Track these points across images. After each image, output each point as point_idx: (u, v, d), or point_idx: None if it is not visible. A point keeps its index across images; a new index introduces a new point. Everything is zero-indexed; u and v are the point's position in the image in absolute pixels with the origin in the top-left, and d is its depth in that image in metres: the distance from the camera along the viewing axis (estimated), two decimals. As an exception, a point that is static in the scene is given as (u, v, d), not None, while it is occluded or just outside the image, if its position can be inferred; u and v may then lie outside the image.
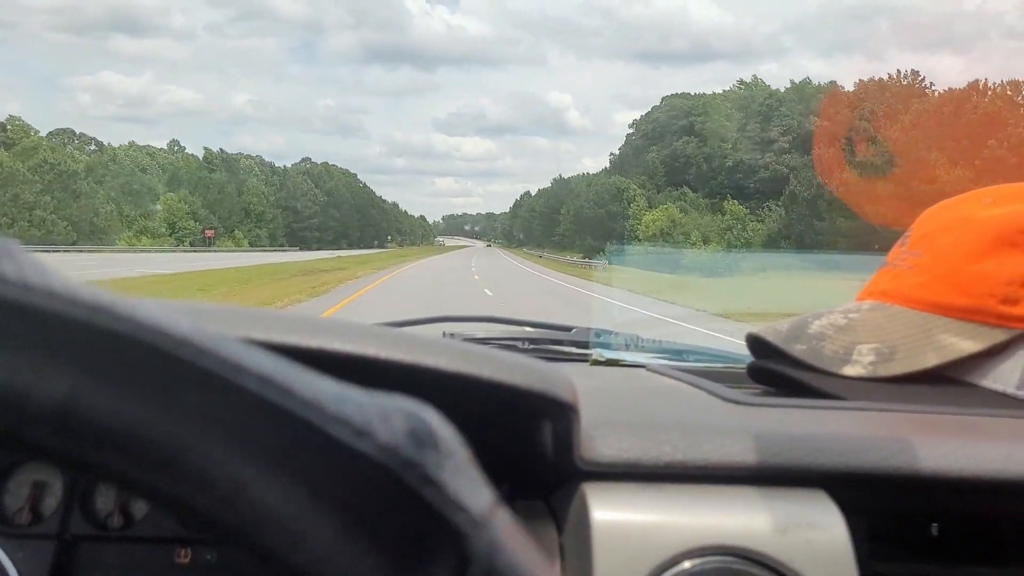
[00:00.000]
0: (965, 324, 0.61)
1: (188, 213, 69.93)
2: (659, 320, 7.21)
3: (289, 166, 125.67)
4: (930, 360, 0.61)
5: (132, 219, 65.54)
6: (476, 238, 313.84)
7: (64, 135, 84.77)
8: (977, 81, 31.18)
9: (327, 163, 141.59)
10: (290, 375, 0.23)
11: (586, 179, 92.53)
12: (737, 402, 0.58)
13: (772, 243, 37.87)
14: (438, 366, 0.38)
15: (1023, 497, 0.47)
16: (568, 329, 1.21)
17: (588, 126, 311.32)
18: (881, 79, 43.17)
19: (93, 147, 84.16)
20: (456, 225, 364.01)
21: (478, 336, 1.16)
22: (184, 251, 60.85)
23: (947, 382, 0.61)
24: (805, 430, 0.49)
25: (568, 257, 64.57)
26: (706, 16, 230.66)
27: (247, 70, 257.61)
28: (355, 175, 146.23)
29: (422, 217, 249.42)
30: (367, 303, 15.45)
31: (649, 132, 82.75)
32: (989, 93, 30.13)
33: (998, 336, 0.59)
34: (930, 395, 0.59)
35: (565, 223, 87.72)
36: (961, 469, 0.46)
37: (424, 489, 0.22)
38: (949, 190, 0.61)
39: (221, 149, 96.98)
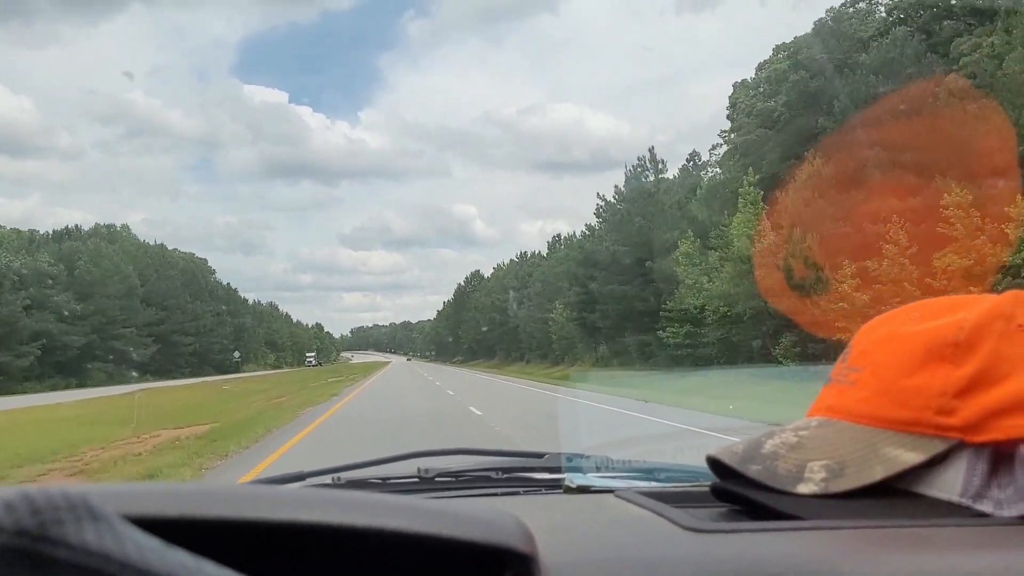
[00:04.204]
0: (907, 436, 0.63)
1: None
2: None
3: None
4: (877, 473, 0.63)
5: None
6: (392, 352, 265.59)
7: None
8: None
9: (125, 227, 78.58)
10: None
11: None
12: (696, 530, 0.59)
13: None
14: (398, 528, 0.39)
15: None
16: (540, 455, 1.24)
17: (495, 236, 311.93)
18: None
19: None
20: (366, 338, 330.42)
21: (452, 470, 1.18)
22: None
23: (895, 494, 0.63)
24: (760, 554, 0.51)
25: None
26: (602, 126, 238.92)
27: (141, 189, 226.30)
28: (177, 250, 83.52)
29: (318, 326, 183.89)
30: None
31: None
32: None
33: (938, 446, 0.61)
34: (880, 508, 0.61)
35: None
36: None
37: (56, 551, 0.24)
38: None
39: None
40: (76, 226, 70.63)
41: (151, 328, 62.36)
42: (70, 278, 54.02)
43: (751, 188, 26.59)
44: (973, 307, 0.65)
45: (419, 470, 1.16)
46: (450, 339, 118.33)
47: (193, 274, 78.97)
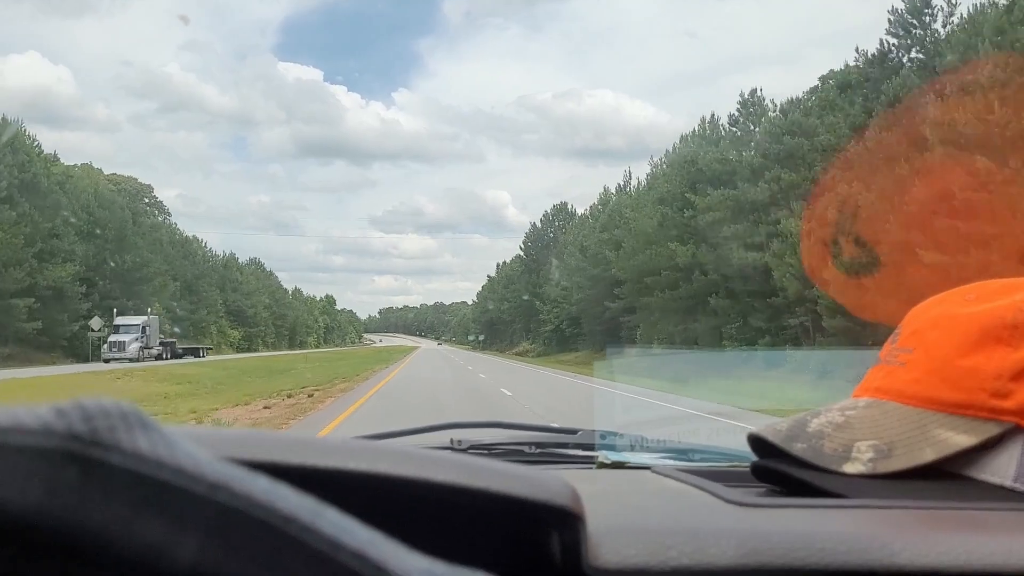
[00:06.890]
0: (959, 419, 0.62)
1: None
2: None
3: None
4: (927, 455, 0.62)
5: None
6: (421, 335, 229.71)
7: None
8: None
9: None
10: (384, 551, 0.26)
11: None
12: (740, 503, 0.58)
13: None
14: (447, 480, 0.39)
15: None
16: (573, 432, 1.24)
17: (527, 224, 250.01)
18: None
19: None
20: (395, 320, 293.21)
21: (485, 442, 1.18)
22: None
23: (945, 476, 0.62)
24: (808, 529, 0.50)
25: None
26: (640, 114, 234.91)
27: (175, 165, 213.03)
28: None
29: (328, 299, 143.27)
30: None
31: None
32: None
33: (991, 429, 0.60)
34: (930, 490, 0.60)
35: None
36: (963, 564, 0.46)
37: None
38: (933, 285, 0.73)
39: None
40: None
41: None
42: None
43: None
44: None
45: (452, 441, 1.15)
46: (514, 316, 76.37)
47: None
